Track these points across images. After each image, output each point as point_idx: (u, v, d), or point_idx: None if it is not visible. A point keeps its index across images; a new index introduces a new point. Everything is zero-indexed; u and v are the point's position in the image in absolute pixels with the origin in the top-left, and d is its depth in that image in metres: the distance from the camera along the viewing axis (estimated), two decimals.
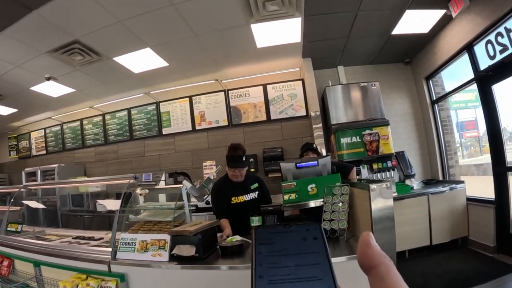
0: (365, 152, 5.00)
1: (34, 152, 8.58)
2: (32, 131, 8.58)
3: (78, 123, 7.62)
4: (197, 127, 6.31)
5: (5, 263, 3.29)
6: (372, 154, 5.02)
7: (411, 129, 6.04)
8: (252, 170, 5.52)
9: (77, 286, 2.48)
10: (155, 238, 2.42)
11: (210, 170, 5.83)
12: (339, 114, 5.25)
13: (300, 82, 5.82)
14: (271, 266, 0.43)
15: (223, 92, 6.13)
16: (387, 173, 5.15)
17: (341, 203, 2.39)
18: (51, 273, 2.83)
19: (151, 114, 6.71)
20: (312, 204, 2.59)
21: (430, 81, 5.79)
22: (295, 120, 5.79)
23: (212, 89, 6.17)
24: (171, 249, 2.31)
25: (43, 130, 8.30)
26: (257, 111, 5.92)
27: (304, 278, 0.41)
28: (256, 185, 3.29)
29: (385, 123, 5.10)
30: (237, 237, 2.50)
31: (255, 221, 2.57)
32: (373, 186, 2.00)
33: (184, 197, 3.06)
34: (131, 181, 3.04)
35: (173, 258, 2.30)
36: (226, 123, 6.11)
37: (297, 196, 2.60)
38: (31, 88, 5.91)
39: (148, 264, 2.34)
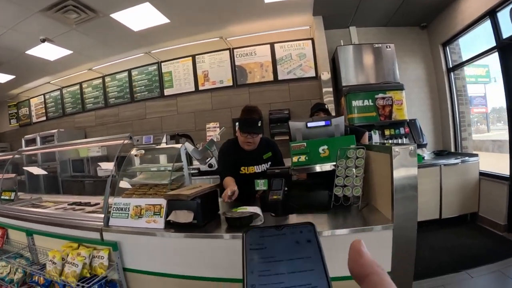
0: (377, 117, 4.71)
1: (34, 119, 8.52)
2: (31, 98, 8.50)
3: (77, 87, 7.46)
4: (200, 88, 6.03)
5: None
6: (385, 120, 4.74)
7: (424, 96, 5.72)
8: None
9: (67, 255, 2.26)
10: (150, 203, 2.19)
11: (214, 132, 5.63)
12: (351, 76, 4.95)
13: (310, 41, 5.49)
14: (263, 273, 0.41)
15: (228, 51, 5.82)
16: (399, 140, 4.90)
17: (355, 168, 2.13)
18: (44, 242, 2.65)
19: (153, 75, 6.45)
20: (324, 167, 2.30)
21: (447, 48, 5.44)
22: (303, 81, 5.50)
23: (217, 48, 5.86)
24: (167, 215, 2.08)
25: (42, 96, 8.21)
26: (264, 71, 5.62)
27: (298, 286, 0.40)
28: (269, 154, 2.92)
29: (400, 87, 4.81)
30: (247, 208, 2.02)
31: (261, 184, 2.26)
32: (396, 149, 1.71)
33: (183, 157, 2.76)
34: (126, 141, 2.77)
35: (170, 225, 2.07)
36: (230, 83, 5.82)
37: (307, 158, 2.32)
38: (26, 52, 5.74)
39: (142, 231, 2.12)
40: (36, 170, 6.20)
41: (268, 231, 0.46)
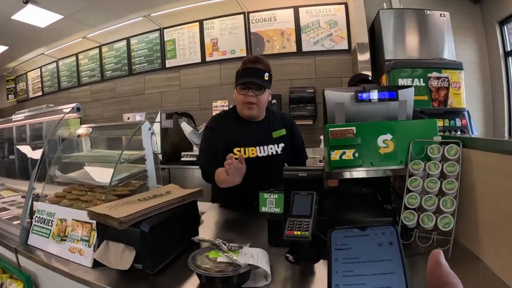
0: (430, 102, 3.69)
1: (31, 94, 8.15)
2: (28, 72, 8.11)
3: (73, 58, 6.87)
4: (208, 58, 5.15)
5: None
6: (438, 106, 3.71)
7: (475, 83, 4.70)
8: None
9: None
10: (78, 218, 1.47)
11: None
12: (396, 48, 3.99)
13: (343, 6, 4.57)
14: (347, 274, 0.43)
15: (242, 15, 4.92)
16: (454, 134, 3.84)
17: (444, 179, 1.25)
18: None
19: (154, 44, 5.62)
20: (385, 172, 1.43)
21: (505, 27, 4.50)
22: (333, 54, 4.58)
23: (229, 11, 4.98)
24: (98, 245, 1.26)
25: (39, 69, 7.76)
26: (285, 40, 4.73)
27: None
28: (283, 131, 2.07)
29: (458, 66, 3.79)
30: (238, 254, 1.11)
31: (269, 202, 1.33)
32: None
33: (146, 141, 1.90)
34: (70, 115, 2.05)
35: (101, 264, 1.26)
36: (244, 54, 4.89)
37: (357, 154, 1.42)
38: (12, 18, 5.26)
39: (63, 266, 1.33)
40: (27, 152, 5.57)
41: (352, 231, 0.47)
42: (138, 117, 4.73)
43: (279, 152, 2.01)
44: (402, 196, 1.32)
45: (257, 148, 1.96)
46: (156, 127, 4.51)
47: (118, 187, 1.81)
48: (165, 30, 5.50)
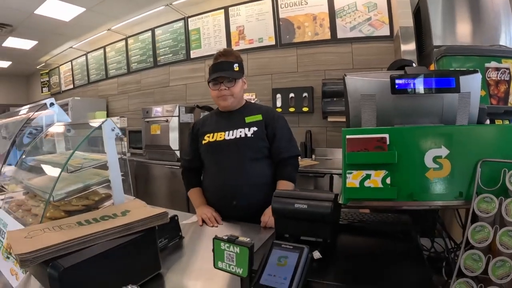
0: (488, 98, 3.10)
1: (63, 87, 8.38)
2: (61, 65, 8.33)
3: (101, 51, 6.91)
4: (234, 48, 4.78)
5: None
6: (497, 104, 3.11)
7: None
8: (305, 109, 4.10)
9: None
10: None
11: None
12: (445, 33, 3.46)
13: None
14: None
15: (269, 0, 4.52)
16: None
17: None
18: None
19: (178, 33, 5.37)
20: (433, 205, 0.97)
21: None
22: (372, 41, 4.06)
23: None
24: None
25: (70, 62, 7.93)
26: (318, 26, 4.26)
27: None
28: (258, 117, 2.03)
29: None
30: None
31: (227, 257, 0.88)
32: None
33: (109, 144, 1.58)
34: (40, 112, 1.94)
35: None
36: (273, 42, 4.53)
37: (389, 180, 0.92)
38: (35, 12, 5.37)
39: (5, 285, 1.20)
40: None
41: None
42: (156, 110, 4.54)
43: (248, 135, 1.96)
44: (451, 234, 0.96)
45: (226, 132, 1.99)
46: (175, 122, 4.31)
47: (72, 200, 1.55)
48: (189, 19, 5.23)
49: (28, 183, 1.78)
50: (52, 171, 1.79)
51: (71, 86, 7.96)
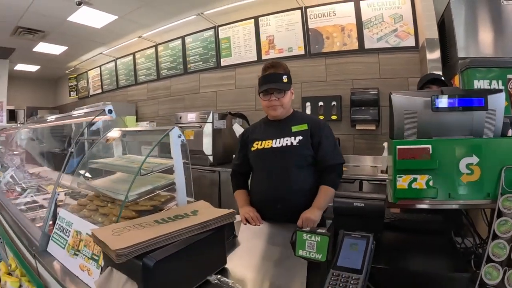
0: (509, 109, 3.32)
1: (91, 92, 8.79)
2: (89, 70, 8.73)
3: (130, 57, 7.28)
4: (264, 57, 5.07)
5: None
6: None
7: None
8: (333, 117, 4.32)
9: None
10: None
11: None
12: (469, 44, 3.62)
13: None
14: None
15: (299, 10, 4.76)
16: None
17: None
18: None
19: (208, 42, 5.68)
20: (466, 207, 1.24)
21: None
22: (398, 52, 4.27)
23: (285, 7, 4.85)
24: (102, 268, 1.19)
25: (98, 68, 8.32)
26: (346, 37, 4.50)
27: None
28: (303, 126, 2.16)
29: None
30: None
31: (309, 245, 1.07)
32: None
33: (175, 149, 1.77)
34: (98, 117, 2.04)
35: None
36: (302, 52, 4.78)
37: (431, 183, 1.17)
38: (68, 19, 5.72)
39: (74, 283, 1.31)
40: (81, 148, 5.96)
41: None
42: (190, 116, 4.81)
43: (294, 144, 2.09)
44: (478, 232, 1.18)
45: (273, 140, 2.13)
46: (208, 128, 4.59)
47: (140, 201, 1.74)
48: (219, 28, 5.51)
49: (94, 184, 1.98)
50: (123, 174, 2.04)
51: (100, 91, 8.33)
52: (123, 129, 2.34)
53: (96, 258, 1.29)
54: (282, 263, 1.44)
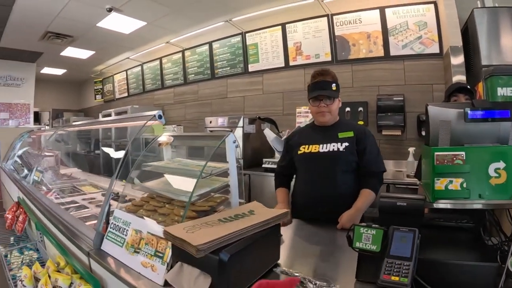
0: None
1: (117, 95, 9.18)
2: (115, 74, 9.11)
3: (157, 62, 7.59)
4: (291, 63, 5.32)
5: (21, 218, 3.00)
6: None
7: None
8: (360, 122, 4.45)
9: (39, 280, 1.88)
10: (154, 232, 1.47)
11: (306, 118, 4.87)
12: (491, 52, 3.76)
13: (432, 5, 4.40)
14: None
15: (325, 18, 4.95)
16: None
17: None
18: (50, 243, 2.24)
19: (236, 48, 5.95)
20: (495, 206, 1.36)
21: None
22: (423, 59, 4.40)
23: (312, 14, 5.04)
24: (170, 265, 1.30)
25: (125, 72, 8.67)
26: (372, 44, 4.68)
27: None
28: (350, 133, 2.29)
29: None
30: None
31: (365, 238, 1.24)
32: None
33: (230, 154, 1.89)
34: (151, 122, 2.10)
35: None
36: (329, 58, 4.98)
37: (465, 185, 1.33)
38: (98, 25, 6.01)
39: (133, 278, 1.39)
40: (110, 151, 6.23)
41: None
42: (220, 121, 5.03)
43: (340, 149, 2.21)
44: (504, 231, 1.32)
45: (320, 145, 2.26)
46: (239, 132, 4.79)
47: (198, 202, 1.83)
48: (247, 34, 5.75)
49: (149, 186, 2.08)
50: (176, 176, 2.14)
51: (126, 94, 8.70)
52: (174, 134, 2.55)
53: (161, 255, 1.36)
54: (329, 257, 1.59)
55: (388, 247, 1.15)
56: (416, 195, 1.41)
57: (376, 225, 1.24)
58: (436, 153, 1.33)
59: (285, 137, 4.14)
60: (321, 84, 2.22)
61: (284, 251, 1.59)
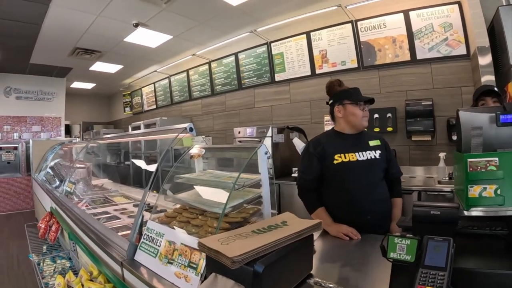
0: None
1: (146, 107, 9.63)
2: (143, 87, 9.56)
3: (184, 74, 7.95)
4: (318, 71, 5.50)
5: (54, 227, 3.25)
6: None
7: None
8: (389, 129, 4.61)
9: None
10: (187, 244, 1.55)
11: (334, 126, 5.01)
12: None
13: (456, 6, 4.42)
14: None
15: (350, 24, 5.11)
16: None
17: None
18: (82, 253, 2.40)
19: (262, 58, 6.21)
20: None
21: None
22: (450, 61, 4.44)
23: (336, 21, 5.20)
24: (204, 276, 1.38)
25: (152, 85, 9.09)
26: (397, 48, 4.79)
27: None
28: (378, 142, 2.42)
29: None
30: None
31: (400, 248, 1.23)
32: None
33: (262, 165, 1.93)
34: (183, 135, 2.23)
35: None
36: (355, 65, 5.13)
37: (499, 191, 1.35)
38: (125, 40, 6.40)
39: (168, 287, 1.49)
40: (140, 162, 6.48)
41: None
42: (249, 131, 5.21)
43: (377, 157, 2.32)
44: None
45: (356, 153, 2.30)
46: (268, 142, 4.91)
47: (230, 213, 1.88)
48: (272, 44, 5.98)
49: (181, 198, 2.17)
50: (207, 188, 2.19)
51: (154, 107, 9.14)
52: (206, 146, 2.59)
53: (195, 266, 1.43)
54: (361, 267, 1.61)
55: (423, 257, 1.16)
56: (450, 203, 1.39)
57: (410, 235, 1.26)
58: (469, 159, 1.35)
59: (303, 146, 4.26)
60: (359, 90, 2.41)
61: (316, 261, 1.60)
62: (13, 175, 8.55)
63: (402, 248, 1.23)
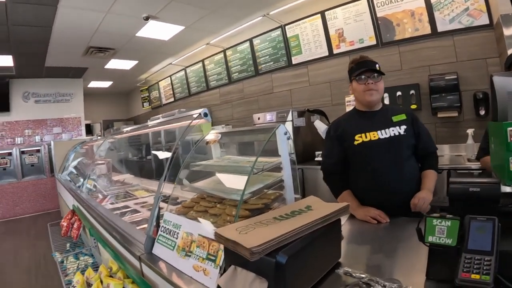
0: None
1: (164, 101, 9.75)
2: (159, 81, 9.68)
3: (200, 64, 7.99)
4: (335, 51, 5.42)
5: (76, 224, 3.32)
6: None
7: None
8: (413, 106, 4.47)
9: (91, 286, 2.01)
10: (205, 234, 1.48)
11: None
12: None
13: None
14: None
15: (365, 0, 4.96)
16: None
17: None
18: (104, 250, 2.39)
19: (277, 42, 6.17)
20: None
21: None
22: (473, 32, 4.25)
23: None
24: (224, 269, 1.30)
25: (169, 78, 9.19)
26: (417, 22, 4.63)
27: None
28: (403, 116, 2.27)
29: None
30: None
31: (438, 231, 1.12)
32: None
33: (283, 147, 1.81)
34: (195, 121, 2.14)
35: None
36: (374, 42, 5.00)
37: None
38: (137, 35, 6.48)
39: (186, 282, 1.42)
40: (161, 154, 6.52)
41: None
42: (269, 116, 5.16)
43: (401, 133, 2.19)
44: None
45: (378, 131, 2.20)
46: (288, 126, 4.78)
47: (250, 200, 1.80)
48: (286, 27, 5.92)
49: (199, 186, 2.11)
50: (225, 174, 2.14)
51: (172, 99, 9.26)
52: (222, 130, 2.57)
53: (213, 258, 1.36)
54: (392, 253, 1.54)
55: (466, 240, 1.05)
56: (490, 178, 1.24)
57: (451, 215, 1.12)
58: (509, 128, 1.19)
59: (325, 129, 4.14)
60: (366, 63, 2.24)
61: (344, 248, 1.52)
62: (38, 177, 8.83)
63: (442, 230, 1.11)
